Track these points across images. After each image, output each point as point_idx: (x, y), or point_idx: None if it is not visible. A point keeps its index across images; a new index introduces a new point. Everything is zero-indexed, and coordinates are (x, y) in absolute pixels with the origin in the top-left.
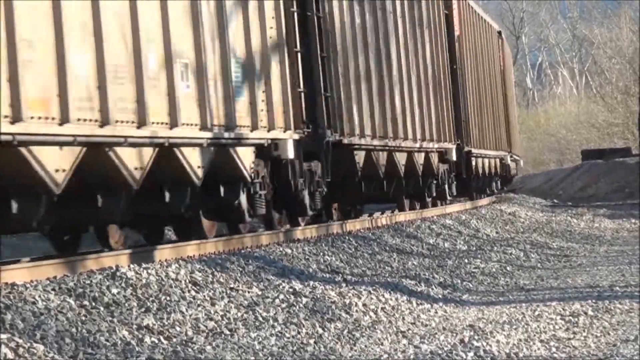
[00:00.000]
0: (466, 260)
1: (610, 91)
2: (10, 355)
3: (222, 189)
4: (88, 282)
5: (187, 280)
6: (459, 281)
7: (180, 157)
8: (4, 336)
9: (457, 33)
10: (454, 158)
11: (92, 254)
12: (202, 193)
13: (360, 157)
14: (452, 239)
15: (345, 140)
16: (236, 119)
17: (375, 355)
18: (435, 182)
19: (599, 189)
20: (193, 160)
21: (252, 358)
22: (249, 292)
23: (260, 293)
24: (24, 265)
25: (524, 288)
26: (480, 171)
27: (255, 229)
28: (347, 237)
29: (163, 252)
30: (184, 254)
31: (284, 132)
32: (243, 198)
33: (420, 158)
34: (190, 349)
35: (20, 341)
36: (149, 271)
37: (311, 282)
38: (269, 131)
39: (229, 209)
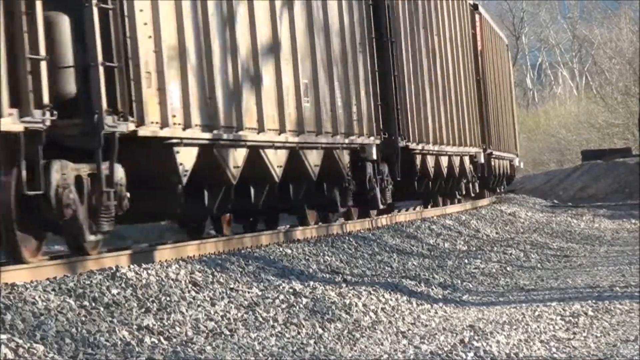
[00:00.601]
0: (466, 261)
1: (611, 91)
2: (10, 355)
3: None
4: (88, 282)
5: (187, 281)
6: (459, 281)
7: None
8: (4, 336)
9: None
10: (374, 156)
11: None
12: None
13: (186, 156)
14: (452, 239)
15: (144, 132)
16: None
17: (375, 356)
18: (351, 187)
19: (599, 189)
20: None
21: (252, 358)
22: (249, 292)
23: (260, 293)
24: (24, 265)
25: (524, 288)
26: (432, 171)
27: None
28: (347, 238)
29: (163, 253)
30: (184, 255)
31: None
32: None
33: (315, 157)
34: (190, 349)
35: (20, 341)
36: (149, 271)
37: (311, 283)
38: None
39: None
